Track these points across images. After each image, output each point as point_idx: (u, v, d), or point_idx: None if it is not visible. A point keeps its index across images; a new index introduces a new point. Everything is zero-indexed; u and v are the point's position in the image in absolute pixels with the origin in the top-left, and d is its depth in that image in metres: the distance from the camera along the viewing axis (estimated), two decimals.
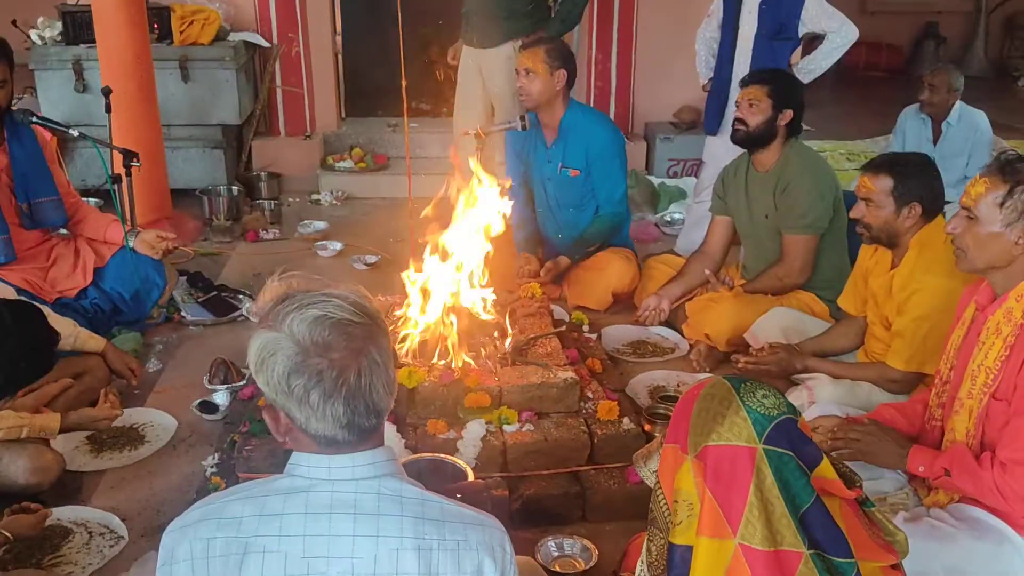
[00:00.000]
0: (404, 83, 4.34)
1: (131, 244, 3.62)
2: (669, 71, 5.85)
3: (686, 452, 1.61)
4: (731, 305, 3.46)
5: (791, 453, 1.56)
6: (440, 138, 5.59)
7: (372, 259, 4.55)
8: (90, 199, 4.63)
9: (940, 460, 2.21)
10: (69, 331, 3.11)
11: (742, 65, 4.25)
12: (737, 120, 3.52)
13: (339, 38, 5.95)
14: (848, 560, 1.56)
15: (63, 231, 3.72)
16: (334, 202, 5.54)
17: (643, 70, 6.02)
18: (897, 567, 1.68)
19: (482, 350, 2.90)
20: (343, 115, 6.18)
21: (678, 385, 3.32)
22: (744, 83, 3.56)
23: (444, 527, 1.34)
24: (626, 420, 2.77)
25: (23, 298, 2.98)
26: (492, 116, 4.62)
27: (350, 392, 1.30)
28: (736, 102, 3.57)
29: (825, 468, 1.61)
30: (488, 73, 4.61)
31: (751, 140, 3.51)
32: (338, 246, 4.73)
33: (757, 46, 4.22)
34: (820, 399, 2.80)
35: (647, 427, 2.84)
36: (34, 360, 2.03)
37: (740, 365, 3.02)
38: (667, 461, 1.66)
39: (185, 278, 4.08)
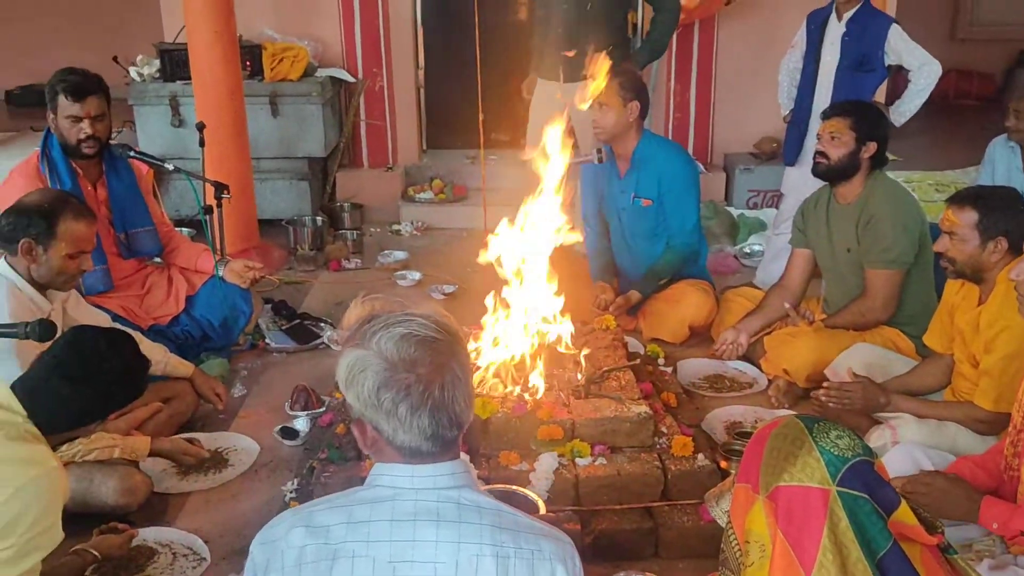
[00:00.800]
0: (481, 116, 4.43)
1: (221, 273, 3.76)
2: (749, 101, 5.81)
3: (757, 492, 1.59)
4: (812, 340, 3.40)
5: (867, 496, 1.53)
6: (517, 170, 5.64)
7: (449, 289, 4.62)
8: (183, 229, 4.83)
9: (1016, 519, 2.11)
10: (160, 357, 3.25)
11: (823, 96, 4.20)
12: (818, 153, 3.46)
13: (421, 72, 6.09)
14: None
15: (157, 260, 3.89)
16: (414, 232, 5.65)
17: (723, 101, 5.99)
18: None
19: (555, 382, 2.91)
20: (424, 147, 6.31)
21: (755, 421, 3.27)
22: (826, 115, 3.51)
23: (519, 536, 1.40)
24: (701, 456, 2.73)
25: (118, 325, 3.12)
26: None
27: (435, 405, 1.38)
28: (817, 134, 3.51)
29: (904, 513, 1.57)
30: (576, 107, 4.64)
31: (833, 173, 3.45)
32: (417, 276, 4.81)
33: (839, 77, 4.17)
34: (904, 439, 2.72)
35: (723, 464, 2.81)
36: (127, 386, 2.13)
37: (822, 396, 2.95)
38: (738, 501, 1.65)
39: (270, 306, 4.21)
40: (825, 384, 3.00)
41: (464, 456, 2.59)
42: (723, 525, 1.75)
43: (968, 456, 2.45)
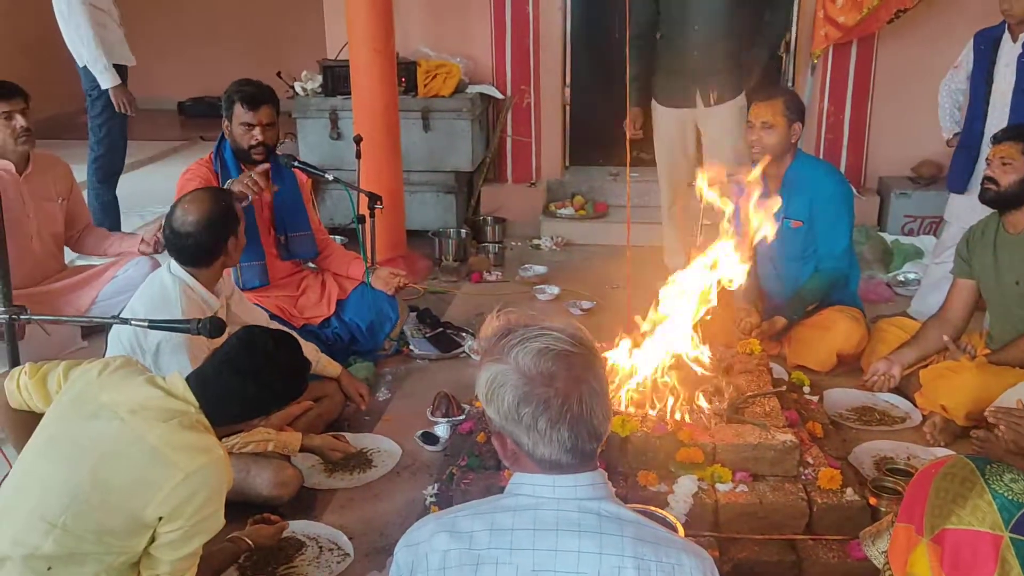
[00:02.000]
0: (628, 133, 4.43)
1: (369, 280, 3.90)
2: (908, 123, 5.57)
3: (921, 534, 1.52)
4: (974, 375, 3.21)
5: None
6: (658, 188, 5.61)
7: (588, 305, 4.63)
8: (336, 236, 5.04)
9: None
10: (313, 356, 3.39)
11: (996, 120, 3.97)
12: (987, 179, 3.29)
13: (568, 90, 6.15)
14: None
15: (311, 265, 4.08)
16: (554, 247, 5.69)
17: (879, 121, 5.76)
18: None
19: (697, 406, 2.86)
20: (567, 164, 6.36)
21: (908, 458, 3.10)
22: (996, 139, 3.33)
23: (660, 549, 1.39)
24: (849, 491, 2.62)
25: (275, 323, 3.29)
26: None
27: (574, 418, 1.39)
28: (987, 159, 3.34)
29: None
30: (716, 130, 4.59)
31: (1002, 201, 3.27)
32: (556, 290, 4.84)
33: (1016, 101, 3.93)
34: None
35: (872, 500, 2.68)
36: (291, 384, 2.24)
37: (989, 418, 2.76)
38: (899, 542, 1.58)
39: (415, 314, 4.33)
40: (991, 408, 2.82)
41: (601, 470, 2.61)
42: (879, 567, 1.69)
43: None
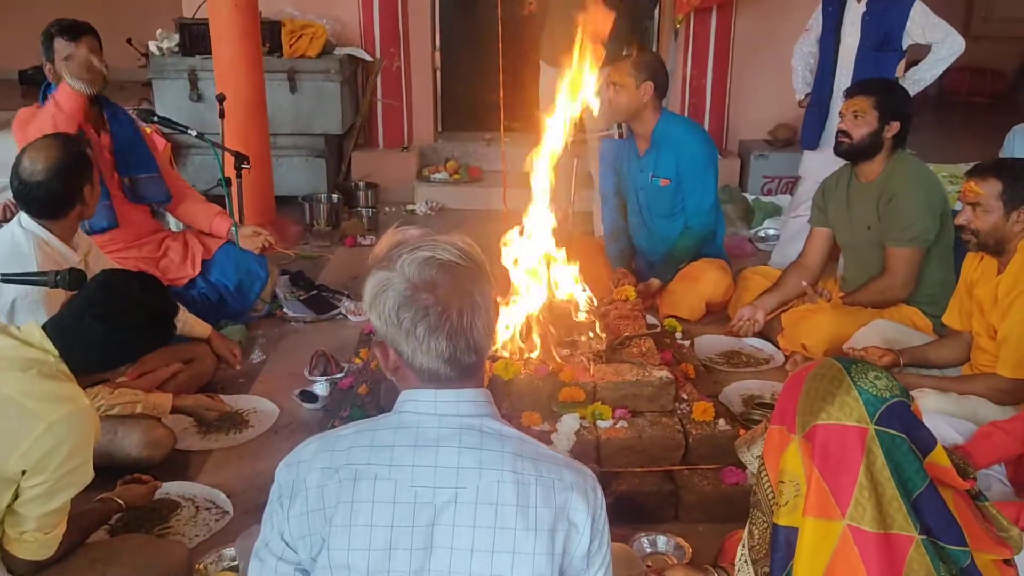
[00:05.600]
0: (502, 94, 4.44)
1: (237, 238, 3.77)
2: (764, 88, 5.82)
3: (793, 432, 1.60)
4: (831, 316, 3.41)
5: (903, 436, 1.54)
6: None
7: None
8: None
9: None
10: (179, 315, 3.27)
11: (844, 77, 4.20)
12: (840, 132, 3.45)
13: (438, 54, 6.10)
14: (962, 548, 1.53)
15: (171, 222, 3.87)
16: (428, 212, 5.67)
17: (738, 87, 5.99)
18: (1010, 563, 1.63)
19: (578, 345, 2.92)
20: (439, 128, 6.32)
21: (773, 395, 3.26)
22: (849, 93, 3.50)
23: (540, 465, 1.40)
24: (722, 421, 2.74)
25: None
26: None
27: (452, 328, 1.38)
28: (840, 113, 3.50)
29: (939, 455, 1.58)
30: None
31: (855, 152, 3.45)
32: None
33: (860, 57, 4.17)
34: (925, 409, 2.69)
35: (742, 432, 2.80)
36: (158, 328, 2.14)
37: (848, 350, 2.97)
38: (772, 442, 1.66)
39: (287, 277, 4.22)
40: (847, 346, 3.02)
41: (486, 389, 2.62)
42: (754, 471, 1.76)
43: (996, 422, 2.45)
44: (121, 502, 2.38)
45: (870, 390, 1.54)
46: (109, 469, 2.67)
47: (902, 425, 1.53)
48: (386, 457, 1.39)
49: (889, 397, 1.54)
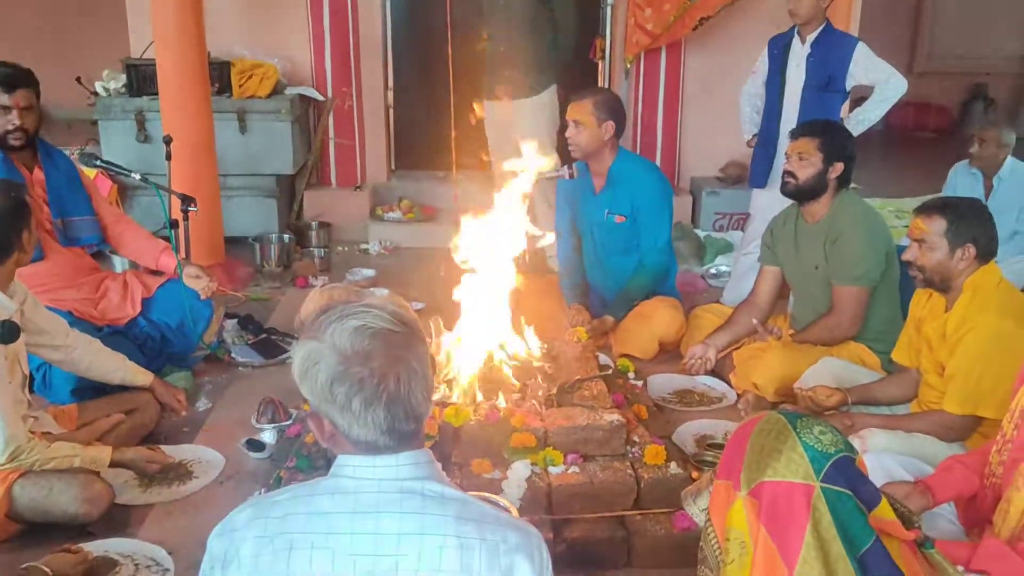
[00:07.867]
0: (454, 134, 4.45)
1: (182, 275, 3.69)
2: (715, 126, 5.90)
3: (739, 489, 1.59)
4: (780, 354, 3.42)
5: (850, 492, 1.54)
6: (486, 191, 5.66)
7: (418, 306, 4.59)
8: None
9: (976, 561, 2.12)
10: (118, 365, 3.20)
11: (790, 118, 4.27)
12: (787, 173, 3.50)
13: (391, 93, 6.10)
14: None
15: (118, 266, 3.78)
16: (382, 251, 5.63)
17: (689, 125, 6.07)
18: None
19: (527, 392, 2.89)
20: (393, 167, 6.30)
21: (725, 434, 3.26)
22: (794, 135, 3.55)
23: (484, 527, 1.36)
24: (673, 465, 2.73)
25: (75, 330, 3.07)
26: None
27: (390, 398, 1.34)
28: (786, 154, 3.55)
29: (884, 509, 1.58)
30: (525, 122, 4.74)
31: (801, 193, 3.50)
32: (384, 292, 4.76)
33: (805, 98, 4.24)
34: (873, 448, 2.73)
35: (695, 474, 2.79)
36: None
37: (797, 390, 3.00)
38: (718, 498, 1.64)
39: (236, 320, 4.14)
40: (797, 387, 3.04)
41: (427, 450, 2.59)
42: (701, 524, 1.75)
43: (956, 456, 2.45)
44: (48, 571, 2.28)
45: (815, 446, 1.54)
46: (45, 526, 2.60)
47: (847, 481, 1.53)
48: (323, 525, 1.35)
49: (834, 452, 1.54)
